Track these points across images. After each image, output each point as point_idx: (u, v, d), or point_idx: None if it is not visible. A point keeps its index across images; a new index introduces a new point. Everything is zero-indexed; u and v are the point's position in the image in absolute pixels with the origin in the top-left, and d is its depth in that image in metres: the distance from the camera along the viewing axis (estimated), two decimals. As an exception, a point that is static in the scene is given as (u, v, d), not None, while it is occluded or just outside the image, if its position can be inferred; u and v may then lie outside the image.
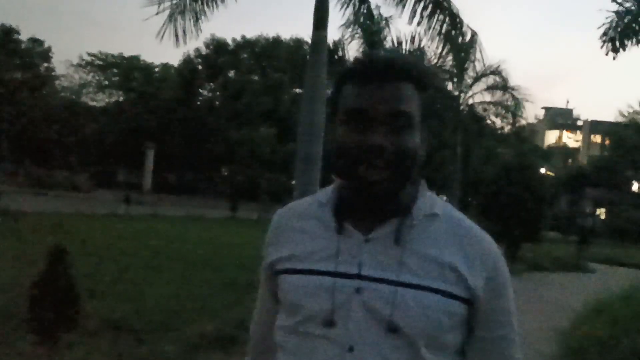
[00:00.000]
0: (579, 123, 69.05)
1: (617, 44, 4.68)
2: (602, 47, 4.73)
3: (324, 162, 8.42)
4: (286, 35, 42.68)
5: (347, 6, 10.64)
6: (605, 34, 4.78)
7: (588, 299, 7.45)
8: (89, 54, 45.88)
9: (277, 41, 40.32)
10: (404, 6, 9.25)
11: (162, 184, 32.80)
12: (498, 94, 22.55)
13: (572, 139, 68.92)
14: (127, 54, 45.72)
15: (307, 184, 8.32)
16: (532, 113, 77.58)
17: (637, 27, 4.55)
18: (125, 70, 44.18)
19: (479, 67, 21.42)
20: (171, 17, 8.69)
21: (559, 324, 6.49)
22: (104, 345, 4.33)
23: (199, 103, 39.20)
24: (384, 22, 15.60)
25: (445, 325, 1.02)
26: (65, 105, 36.69)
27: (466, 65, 20.33)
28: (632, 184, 42.76)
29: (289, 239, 1.14)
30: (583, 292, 8.13)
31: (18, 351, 3.98)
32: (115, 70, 45.52)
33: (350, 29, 16.57)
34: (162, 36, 8.89)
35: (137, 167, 33.46)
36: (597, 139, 61.88)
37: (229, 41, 40.05)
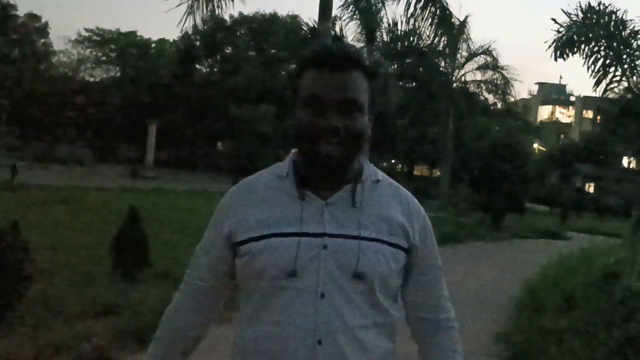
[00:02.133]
0: (572, 99, 69.92)
1: (560, 52, 5.70)
2: (551, 56, 5.75)
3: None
4: (283, 11, 42.97)
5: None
6: (553, 43, 5.78)
7: (554, 258, 8.70)
8: (87, 30, 46.11)
9: (274, 18, 40.76)
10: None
11: (162, 158, 33.58)
12: (489, 73, 23.47)
13: (564, 115, 69.85)
14: (123, 29, 46.03)
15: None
16: (526, 88, 78.12)
17: (576, 40, 5.55)
18: (122, 46, 44.48)
19: (470, 46, 22.35)
20: (191, 8, 9.61)
21: (526, 276, 7.76)
22: (169, 285, 5.44)
23: (197, 79, 39.71)
24: (380, 3, 16.46)
25: (394, 271, 1.24)
26: (64, 80, 37.11)
27: (458, 46, 21.27)
28: (621, 160, 43.87)
29: (251, 208, 1.26)
30: (553, 254, 9.31)
31: (106, 284, 5.08)
32: (112, 46, 45.81)
33: (348, 10, 17.43)
34: (183, 25, 9.81)
35: (137, 142, 34.18)
36: (589, 114, 62.63)
37: (227, 17, 40.50)
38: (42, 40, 39.20)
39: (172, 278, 5.88)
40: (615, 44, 5.53)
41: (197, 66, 41.59)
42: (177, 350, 1.37)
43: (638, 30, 5.59)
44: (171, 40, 45.14)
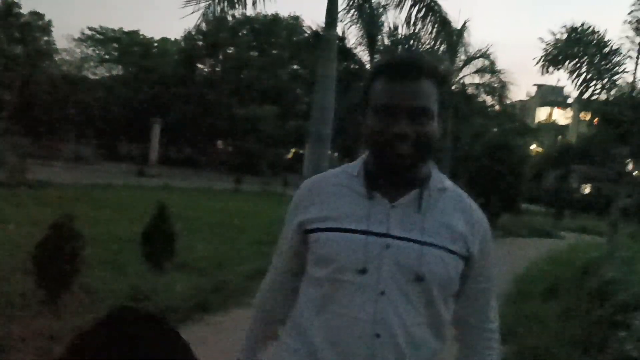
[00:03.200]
0: (570, 101, 70.48)
1: (546, 68, 6.32)
2: (539, 71, 6.37)
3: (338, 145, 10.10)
4: (284, 12, 43.37)
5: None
6: (540, 60, 6.40)
7: (543, 254, 9.33)
8: (90, 29, 46.59)
9: (275, 19, 41.26)
10: (401, 9, 10.81)
11: (165, 157, 34.09)
12: (486, 76, 24.04)
13: (562, 116, 70.39)
14: (126, 28, 46.52)
15: (318, 159, 9.96)
16: (524, 90, 78.58)
17: (560, 57, 6.16)
18: (125, 45, 44.94)
19: (468, 51, 22.90)
20: (204, 15, 10.27)
21: (515, 269, 8.35)
22: (189, 275, 6.04)
23: (199, 79, 40.21)
24: (381, 9, 16.98)
25: (453, 277, 1.29)
26: (67, 78, 37.49)
27: (457, 50, 21.82)
28: (617, 162, 44.35)
29: (322, 202, 1.35)
30: (543, 250, 9.93)
31: (138, 273, 5.68)
32: (115, 45, 46.28)
33: (349, 14, 17.95)
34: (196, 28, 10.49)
35: (140, 141, 34.66)
36: (586, 116, 62.58)
37: (229, 17, 40.96)
38: (45, 38, 39.68)
39: (191, 267, 6.52)
40: (596, 61, 6.13)
41: (200, 66, 42.10)
42: (267, 331, 1.54)
43: (617, 49, 6.21)
44: (173, 39, 45.81)
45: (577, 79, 6.09)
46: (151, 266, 5.78)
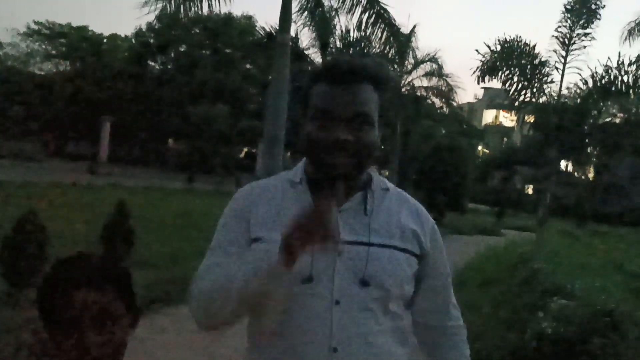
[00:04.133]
0: (516, 104, 72.68)
1: (482, 77, 6.91)
2: (475, 80, 6.95)
3: (291, 146, 10.52)
4: (237, 12, 43.31)
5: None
6: (476, 69, 6.97)
7: (484, 250, 9.98)
8: (36, 23, 45.23)
9: (228, 18, 41.16)
10: (352, 14, 11.28)
11: (115, 155, 33.59)
12: (435, 80, 24.86)
13: (507, 119, 72.72)
14: (75, 24, 45.40)
15: (271, 159, 10.28)
16: (472, 93, 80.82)
17: (495, 67, 6.76)
18: (73, 40, 43.88)
19: (417, 55, 23.62)
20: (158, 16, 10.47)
21: (458, 264, 8.94)
22: (147, 270, 6.27)
23: (150, 76, 39.74)
24: (334, 12, 17.40)
25: (407, 277, 1.26)
26: (11, 73, 36.40)
27: (406, 53, 22.50)
28: (558, 163, 46.38)
29: (266, 210, 1.29)
30: (484, 247, 10.59)
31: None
32: (62, 40, 45.11)
33: (303, 17, 18.28)
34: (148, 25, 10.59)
35: (89, 138, 34.02)
36: (531, 119, 64.55)
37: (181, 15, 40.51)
38: (-12, 31, 38.38)
39: (148, 263, 6.77)
40: (526, 71, 6.73)
41: (151, 63, 41.56)
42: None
43: (545, 61, 6.83)
44: (123, 36, 45.03)
45: (510, 88, 6.68)
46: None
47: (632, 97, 7.60)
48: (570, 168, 46.41)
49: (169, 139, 39.84)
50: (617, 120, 22.51)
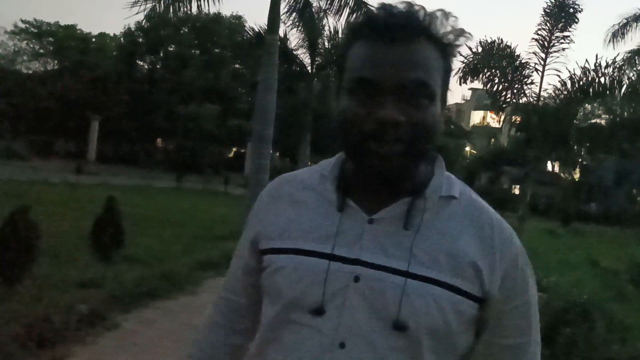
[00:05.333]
0: (508, 104, 73.24)
1: (464, 79, 7.10)
2: (457, 81, 7.13)
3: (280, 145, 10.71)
4: (227, 12, 43.45)
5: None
6: (459, 70, 7.17)
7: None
8: (23, 21, 45.08)
9: (218, 18, 41.24)
10: (340, 15, 11.45)
11: (104, 154, 33.57)
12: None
13: (495, 120, 73.30)
14: (63, 22, 45.29)
15: (260, 158, 10.43)
16: (459, 94, 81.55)
17: (477, 68, 6.95)
18: (61, 39, 43.76)
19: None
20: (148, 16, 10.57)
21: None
22: (136, 266, 6.38)
23: (139, 76, 39.70)
24: (322, 13, 17.56)
25: (455, 327, 0.88)
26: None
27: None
28: (545, 163, 47.03)
29: (281, 212, 1.00)
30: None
31: (86, 263, 5.98)
32: (50, 39, 44.96)
33: (291, 17, 18.47)
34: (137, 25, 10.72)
35: (77, 137, 33.95)
36: (518, 119, 65.07)
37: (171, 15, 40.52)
38: (-25, 30, 38.23)
39: (137, 259, 6.88)
40: (507, 73, 6.92)
41: (140, 63, 41.54)
42: None
43: (525, 63, 7.03)
44: (112, 35, 44.99)
45: (491, 89, 6.87)
46: (100, 257, 6.10)
47: (610, 98, 7.83)
48: (557, 169, 47.04)
49: (157, 139, 39.84)
50: (603, 122, 22.90)
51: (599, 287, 5.86)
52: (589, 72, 7.14)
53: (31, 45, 45.60)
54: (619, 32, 11.60)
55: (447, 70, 0.94)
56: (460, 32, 0.94)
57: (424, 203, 0.93)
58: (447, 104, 0.97)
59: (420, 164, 0.94)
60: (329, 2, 13.26)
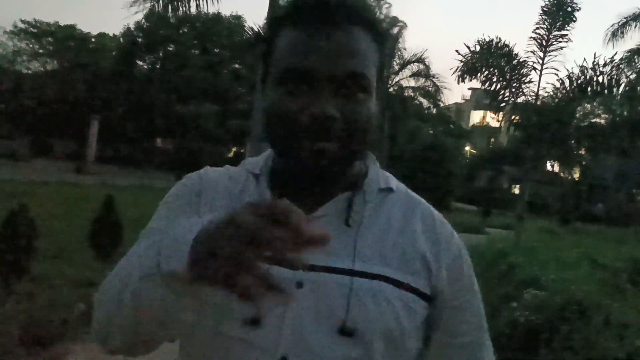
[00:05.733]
0: (507, 103, 73.29)
1: (462, 77, 7.12)
2: (455, 80, 7.15)
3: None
4: (226, 12, 43.47)
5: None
6: (457, 69, 7.19)
7: (467, 247, 10.22)
8: (23, 21, 45.09)
9: (217, 18, 41.26)
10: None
11: (103, 154, 33.59)
12: (422, 80, 25.16)
13: (495, 119, 73.35)
14: (62, 22, 45.33)
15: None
16: (459, 94, 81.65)
17: (477, 67, 6.97)
18: (61, 39, 43.80)
19: (404, 55, 23.89)
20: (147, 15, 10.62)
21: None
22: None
23: (138, 75, 39.73)
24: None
25: (407, 328, 0.81)
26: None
27: (394, 53, 22.78)
28: (544, 163, 47.12)
29: (211, 206, 0.87)
30: (468, 244, 10.80)
31: (84, 262, 6.00)
32: (49, 39, 44.99)
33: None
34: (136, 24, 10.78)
35: (76, 137, 33.95)
36: (517, 118, 65.19)
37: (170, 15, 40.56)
38: (-25, 30, 38.24)
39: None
40: (505, 72, 6.94)
41: (139, 62, 41.56)
42: None
43: (524, 61, 7.05)
44: (111, 34, 45.01)
45: (489, 88, 6.89)
46: (99, 257, 6.11)
47: (609, 97, 7.87)
48: (557, 168, 47.12)
49: (157, 139, 39.85)
50: (603, 121, 22.92)
51: (597, 285, 5.91)
52: (587, 71, 7.18)
53: (30, 45, 45.63)
54: (618, 31, 11.62)
55: (383, 62, 0.86)
56: (395, 21, 0.86)
57: (363, 197, 0.87)
58: (384, 99, 0.92)
59: (357, 159, 0.86)
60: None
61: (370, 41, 0.82)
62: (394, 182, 0.93)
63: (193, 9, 11.58)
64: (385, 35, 0.87)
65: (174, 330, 0.77)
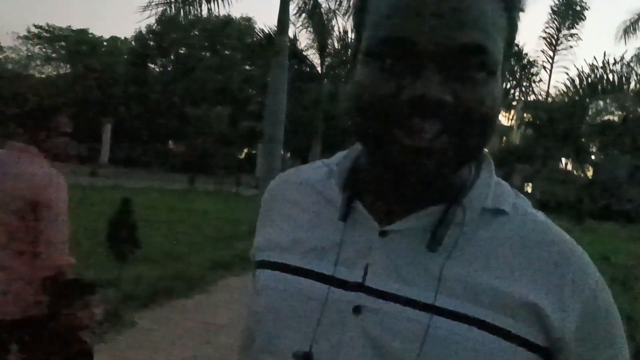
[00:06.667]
0: (514, 103, 73.25)
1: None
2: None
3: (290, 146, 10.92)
4: (236, 14, 43.67)
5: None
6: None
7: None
8: (36, 26, 45.68)
9: (227, 20, 41.48)
10: (349, 16, 11.54)
11: (116, 157, 33.92)
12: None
13: (506, 117, 73.22)
14: (75, 27, 45.84)
15: (271, 158, 10.53)
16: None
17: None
18: (73, 43, 44.30)
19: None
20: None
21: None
22: (151, 266, 6.52)
23: (150, 78, 40.05)
24: (331, 14, 17.67)
25: None
26: (12, 76, 36.75)
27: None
28: (557, 161, 46.93)
29: (278, 215, 0.76)
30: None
31: (99, 263, 6.12)
32: (62, 43, 45.53)
33: (301, 18, 18.62)
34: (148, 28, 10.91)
35: (89, 140, 34.32)
36: (528, 117, 65.14)
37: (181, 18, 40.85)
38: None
39: (152, 259, 7.03)
40: (515, 71, 6.94)
41: (151, 65, 41.92)
42: None
43: (533, 61, 7.04)
44: (123, 38, 45.48)
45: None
46: (116, 258, 6.23)
47: (621, 95, 7.84)
48: (570, 166, 46.84)
49: (169, 141, 40.16)
50: (616, 119, 22.78)
51: (607, 282, 5.89)
52: (597, 70, 7.17)
53: (44, 50, 46.22)
54: (630, 28, 11.55)
55: (513, 31, 0.63)
56: None
57: (460, 216, 0.64)
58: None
59: (471, 160, 0.65)
60: (338, 2, 13.36)
61: (496, 3, 0.60)
62: (510, 202, 0.68)
63: (205, 12, 11.68)
64: None
65: None
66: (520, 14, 0.64)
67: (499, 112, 0.63)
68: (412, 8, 0.57)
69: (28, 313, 2.25)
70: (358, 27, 0.65)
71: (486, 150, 0.69)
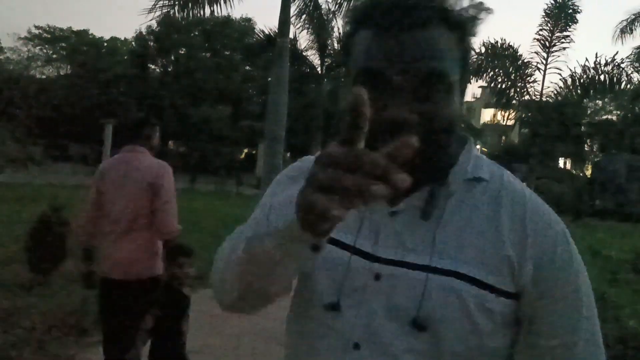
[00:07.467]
0: (514, 102, 72.86)
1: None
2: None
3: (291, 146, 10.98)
4: (236, 14, 43.76)
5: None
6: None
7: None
8: (37, 27, 45.81)
9: (228, 21, 41.58)
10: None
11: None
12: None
13: (505, 117, 72.97)
14: (75, 27, 45.96)
15: (272, 158, 10.69)
16: (469, 92, 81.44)
17: (482, 67, 7.19)
18: (74, 44, 44.40)
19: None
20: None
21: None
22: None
23: (151, 79, 40.16)
24: (331, 14, 17.81)
25: (482, 326, 0.78)
26: (13, 77, 36.82)
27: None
28: (555, 160, 46.96)
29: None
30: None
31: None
32: (63, 44, 45.64)
33: (301, 19, 18.76)
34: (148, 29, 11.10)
35: (91, 141, 34.42)
36: (524, 116, 64.82)
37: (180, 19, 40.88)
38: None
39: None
40: (510, 72, 7.15)
41: (151, 66, 42.01)
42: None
43: (528, 62, 7.25)
44: (123, 39, 45.60)
45: (495, 87, 7.11)
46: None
47: (619, 93, 8.04)
48: (569, 165, 46.98)
49: (170, 141, 40.28)
50: (614, 118, 22.94)
51: (597, 273, 6.09)
52: (589, 70, 7.36)
53: (44, 51, 46.35)
54: (627, 28, 11.67)
55: (466, 52, 0.81)
56: (480, 6, 0.81)
57: (446, 189, 0.82)
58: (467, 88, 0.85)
59: (441, 156, 0.80)
60: (337, 4, 13.56)
61: (451, 35, 0.77)
62: (487, 170, 0.86)
63: (207, 13, 11.87)
64: (468, 26, 0.80)
65: (278, 284, 0.82)
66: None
67: (458, 115, 0.81)
68: (382, 46, 0.75)
69: (152, 273, 2.93)
70: (345, 61, 0.84)
71: (471, 138, 0.89)
